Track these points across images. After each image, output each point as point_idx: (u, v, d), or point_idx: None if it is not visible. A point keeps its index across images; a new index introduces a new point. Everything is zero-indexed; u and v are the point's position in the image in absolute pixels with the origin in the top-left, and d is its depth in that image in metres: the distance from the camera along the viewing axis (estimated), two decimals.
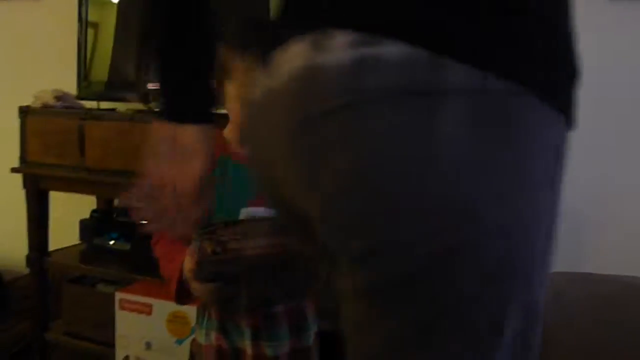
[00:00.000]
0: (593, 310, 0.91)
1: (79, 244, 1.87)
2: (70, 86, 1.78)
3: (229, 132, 1.06)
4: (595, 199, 1.55)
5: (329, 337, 1.21)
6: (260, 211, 1.01)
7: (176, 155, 0.65)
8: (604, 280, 0.96)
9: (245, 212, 1.01)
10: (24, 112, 1.67)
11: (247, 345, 1.00)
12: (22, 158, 1.68)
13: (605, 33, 1.52)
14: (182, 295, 0.96)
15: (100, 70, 1.83)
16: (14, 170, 1.69)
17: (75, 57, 1.81)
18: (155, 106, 1.72)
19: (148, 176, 0.66)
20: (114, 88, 1.82)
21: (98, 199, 2.00)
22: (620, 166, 1.55)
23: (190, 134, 0.64)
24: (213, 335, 1.02)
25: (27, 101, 1.69)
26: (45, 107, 1.67)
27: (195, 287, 0.90)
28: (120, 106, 1.79)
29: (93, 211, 1.88)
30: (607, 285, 0.95)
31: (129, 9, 1.81)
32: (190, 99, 0.65)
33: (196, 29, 0.63)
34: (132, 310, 1.47)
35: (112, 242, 1.79)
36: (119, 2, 1.82)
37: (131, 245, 1.77)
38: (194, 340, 1.40)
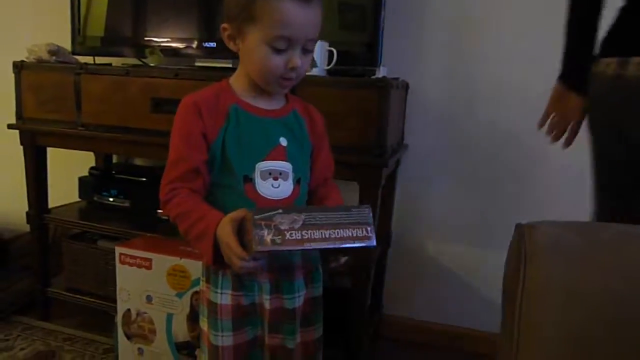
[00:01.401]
0: (591, 255, 0.91)
1: (78, 202, 1.87)
2: (65, 42, 1.75)
3: (236, 80, 1.01)
4: None
5: (332, 293, 1.22)
6: (275, 165, 0.97)
7: (561, 105, 1.16)
8: (601, 227, 0.96)
9: (261, 167, 0.97)
10: (18, 67, 1.64)
11: (265, 300, 0.99)
12: (18, 114, 1.67)
13: None
14: (218, 259, 0.90)
15: (96, 26, 1.80)
16: (10, 126, 1.67)
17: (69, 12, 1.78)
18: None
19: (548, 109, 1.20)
20: (109, 43, 1.79)
21: (96, 156, 1.99)
22: None
23: (573, 99, 1.13)
24: (229, 293, 0.99)
25: (21, 57, 1.67)
26: (40, 61, 1.64)
27: (243, 265, 0.86)
28: (116, 61, 1.77)
29: (92, 168, 1.88)
30: (604, 232, 0.95)
31: None
32: (580, 77, 1.09)
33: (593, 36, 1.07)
34: (133, 265, 1.48)
35: (111, 199, 1.80)
36: None
37: (131, 202, 1.77)
38: (195, 293, 1.43)
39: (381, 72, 1.51)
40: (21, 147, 1.70)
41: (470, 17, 1.62)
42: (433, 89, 1.67)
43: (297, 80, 0.98)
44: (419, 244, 1.77)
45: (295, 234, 0.81)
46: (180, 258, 1.43)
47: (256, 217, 0.81)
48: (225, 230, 0.86)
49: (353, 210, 0.85)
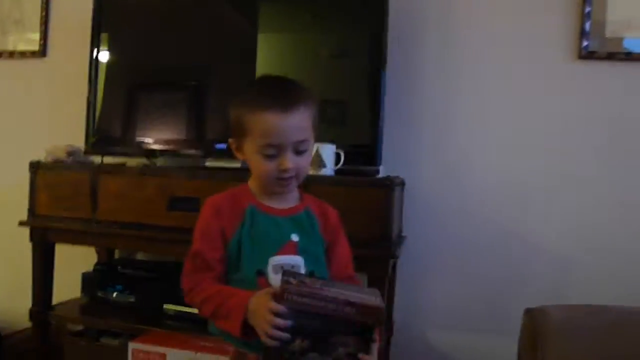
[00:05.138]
0: (597, 335, 1.02)
1: (81, 297, 1.87)
2: (69, 139, 1.84)
3: (251, 183, 1.10)
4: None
5: None
6: (287, 259, 1.04)
7: None
8: (603, 310, 1.08)
9: (273, 261, 1.03)
10: (35, 167, 1.71)
11: None
12: (31, 211, 1.71)
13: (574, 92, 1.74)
14: (247, 330, 0.94)
15: (107, 128, 1.91)
16: (21, 223, 1.71)
17: (76, 112, 1.91)
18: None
19: None
20: (120, 145, 1.90)
21: (98, 251, 2.02)
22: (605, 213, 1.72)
23: None
24: None
25: (26, 151, 1.75)
26: (56, 161, 1.72)
27: (272, 307, 0.89)
28: (128, 161, 1.86)
29: (96, 264, 1.90)
30: (607, 314, 1.06)
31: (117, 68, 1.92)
32: None
33: None
34: None
35: (115, 295, 1.81)
36: (107, 62, 1.93)
37: (136, 297, 1.79)
38: None
39: (381, 171, 1.67)
40: (27, 244, 1.73)
41: (459, 114, 1.82)
42: (427, 184, 1.84)
43: (300, 178, 1.06)
44: (420, 333, 1.84)
45: (316, 287, 0.91)
46: (196, 352, 1.46)
47: (286, 271, 0.94)
48: (261, 297, 0.92)
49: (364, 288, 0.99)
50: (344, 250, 1.14)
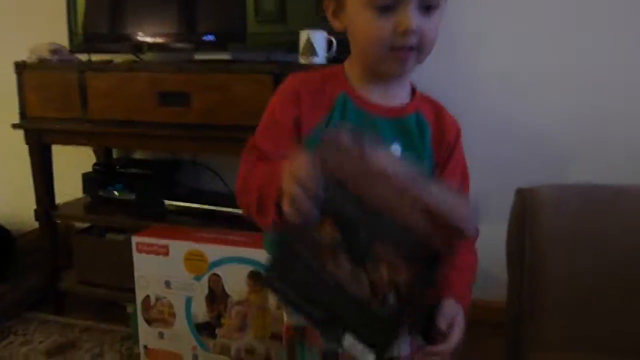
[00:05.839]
0: (590, 208, 1.02)
1: (83, 197, 1.91)
2: (53, 39, 1.76)
3: (350, 65, 0.84)
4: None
5: None
6: None
7: None
8: (598, 187, 1.07)
9: None
10: (21, 68, 1.67)
11: None
12: (22, 114, 1.70)
13: None
14: (282, 220, 0.69)
15: (91, 24, 1.83)
16: (14, 126, 1.70)
17: (58, 9, 1.81)
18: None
19: None
20: (105, 41, 1.83)
21: (96, 151, 2.03)
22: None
23: None
24: None
25: (17, 55, 1.69)
26: (42, 61, 1.67)
27: (305, 166, 0.64)
28: (113, 58, 1.80)
29: (95, 164, 1.91)
30: (601, 190, 1.06)
31: None
32: None
33: None
34: (150, 252, 1.54)
35: (116, 193, 1.84)
36: None
37: (136, 195, 1.82)
38: (213, 275, 1.50)
39: None
40: (24, 146, 1.73)
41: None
42: (427, 73, 1.78)
43: (423, 53, 0.78)
44: None
45: (386, 162, 0.63)
46: (197, 243, 1.50)
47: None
48: (300, 156, 0.66)
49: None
50: (454, 177, 0.86)
